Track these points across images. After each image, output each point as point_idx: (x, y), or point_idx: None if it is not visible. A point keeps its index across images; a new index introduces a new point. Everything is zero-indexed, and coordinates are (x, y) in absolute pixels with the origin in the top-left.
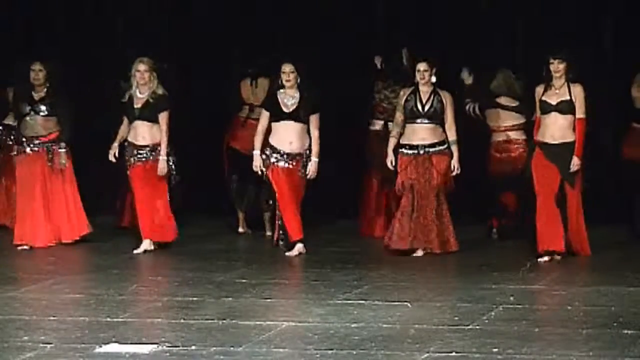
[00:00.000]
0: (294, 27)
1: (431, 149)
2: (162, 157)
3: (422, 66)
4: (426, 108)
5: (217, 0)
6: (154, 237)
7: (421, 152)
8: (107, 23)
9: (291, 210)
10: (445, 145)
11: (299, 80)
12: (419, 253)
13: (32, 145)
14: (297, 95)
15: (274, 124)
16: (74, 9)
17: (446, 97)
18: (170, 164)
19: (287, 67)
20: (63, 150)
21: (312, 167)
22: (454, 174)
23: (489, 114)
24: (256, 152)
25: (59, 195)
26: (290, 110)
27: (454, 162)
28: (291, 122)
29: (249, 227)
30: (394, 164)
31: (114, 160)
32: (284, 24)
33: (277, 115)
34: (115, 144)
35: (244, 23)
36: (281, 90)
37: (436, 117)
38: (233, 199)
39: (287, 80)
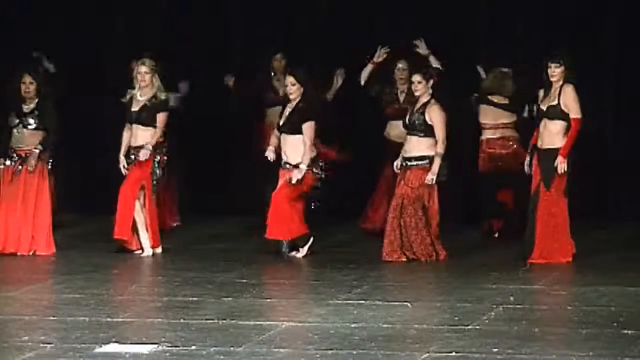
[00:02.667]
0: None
1: (408, 162)
2: (147, 147)
3: (415, 78)
4: (406, 120)
5: (217, 0)
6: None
7: (404, 164)
8: (108, 23)
9: (274, 205)
10: (425, 161)
11: (302, 91)
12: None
13: (15, 157)
14: (294, 106)
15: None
16: (74, 9)
17: (432, 112)
18: (156, 166)
19: (288, 79)
20: (36, 150)
21: (296, 173)
22: (427, 182)
23: (481, 110)
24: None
25: (25, 208)
26: (282, 122)
27: (430, 174)
28: (283, 135)
29: None
30: (398, 167)
31: (125, 172)
32: (284, 24)
33: (277, 126)
34: (122, 156)
35: (244, 23)
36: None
37: (415, 130)
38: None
39: (290, 93)
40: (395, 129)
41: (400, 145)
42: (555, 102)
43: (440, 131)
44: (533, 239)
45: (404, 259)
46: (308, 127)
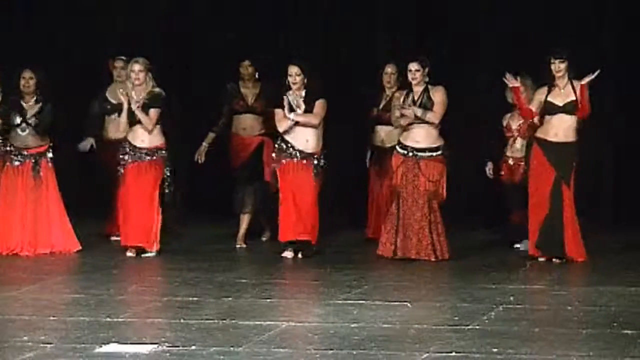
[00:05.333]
0: (295, 27)
1: (420, 154)
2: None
3: (413, 66)
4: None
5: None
6: (135, 242)
7: (410, 154)
8: (109, 23)
9: (287, 208)
10: (438, 152)
11: (305, 81)
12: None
13: (19, 157)
14: (304, 96)
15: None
16: (74, 9)
17: (435, 92)
18: (167, 174)
19: (293, 69)
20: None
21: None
22: (406, 112)
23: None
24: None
25: (41, 207)
26: (302, 111)
27: (411, 111)
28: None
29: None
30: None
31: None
32: (284, 24)
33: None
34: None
35: (243, 23)
36: (289, 92)
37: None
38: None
39: (294, 83)
40: (378, 133)
41: (385, 150)
42: (573, 98)
43: (440, 106)
44: (561, 237)
45: (433, 259)
46: (321, 104)
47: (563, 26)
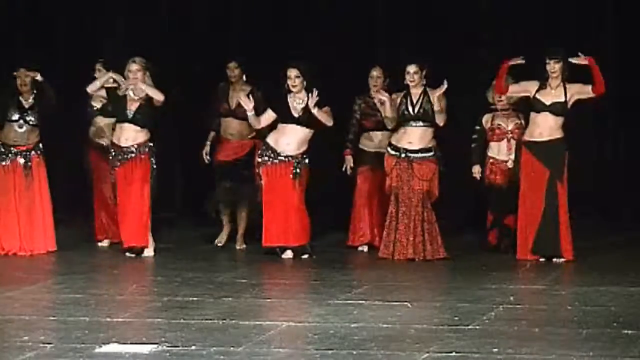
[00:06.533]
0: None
1: (412, 155)
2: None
3: (411, 68)
4: (416, 110)
5: (218, 0)
6: (133, 242)
7: (402, 155)
8: (108, 23)
9: (270, 212)
10: (431, 153)
11: (305, 84)
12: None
13: (9, 154)
14: (305, 99)
15: (280, 125)
16: (74, 9)
17: (435, 94)
18: (154, 166)
19: (292, 72)
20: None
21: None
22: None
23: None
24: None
25: (35, 207)
26: (299, 114)
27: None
28: (297, 127)
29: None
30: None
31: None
32: (285, 25)
33: (285, 118)
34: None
35: (244, 24)
36: (290, 94)
37: (427, 118)
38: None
39: (294, 86)
40: (372, 139)
41: (375, 155)
42: (562, 100)
43: (442, 108)
44: (558, 236)
45: (421, 258)
46: (327, 110)
47: (563, 26)
